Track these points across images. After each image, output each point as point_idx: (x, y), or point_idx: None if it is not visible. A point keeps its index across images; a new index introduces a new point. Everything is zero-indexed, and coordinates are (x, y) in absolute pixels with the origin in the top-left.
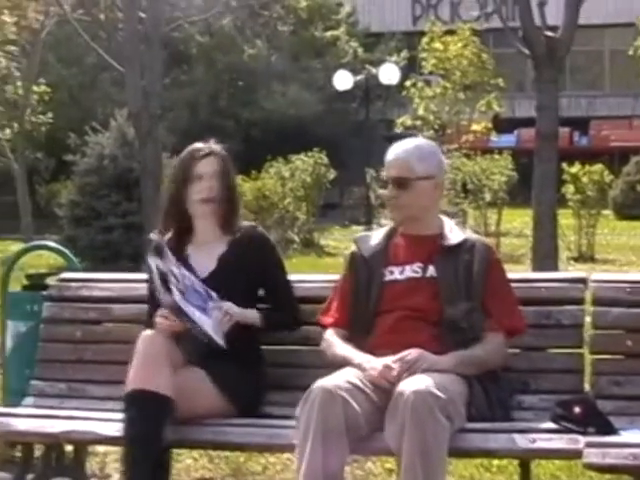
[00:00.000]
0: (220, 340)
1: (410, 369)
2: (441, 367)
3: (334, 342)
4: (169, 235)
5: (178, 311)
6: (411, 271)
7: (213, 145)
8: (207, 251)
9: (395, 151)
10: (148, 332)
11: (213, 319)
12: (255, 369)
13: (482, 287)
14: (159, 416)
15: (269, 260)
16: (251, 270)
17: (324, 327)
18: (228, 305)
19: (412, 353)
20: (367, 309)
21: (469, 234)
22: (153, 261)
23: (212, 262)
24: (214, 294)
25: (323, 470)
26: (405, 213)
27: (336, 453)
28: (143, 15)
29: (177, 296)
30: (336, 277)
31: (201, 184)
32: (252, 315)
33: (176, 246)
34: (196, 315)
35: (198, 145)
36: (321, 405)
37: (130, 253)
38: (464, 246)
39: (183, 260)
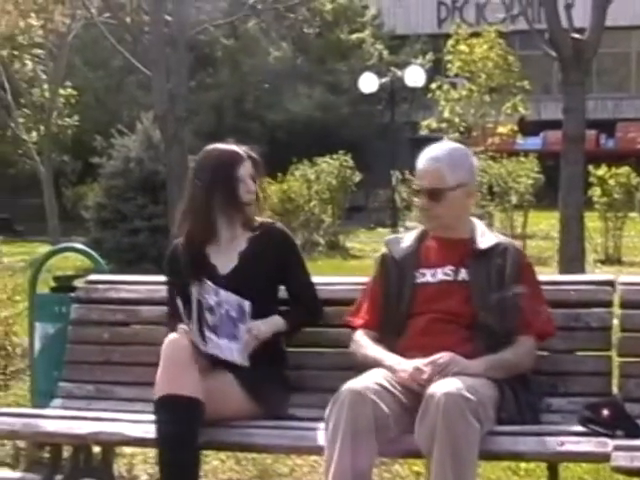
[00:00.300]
0: (244, 362)
1: (441, 372)
2: (472, 371)
3: (364, 343)
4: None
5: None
6: (443, 274)
7: (247, 149)
8: (227, 248)
9: (426, 160)
10: (173, 336)
11: (241, 343)
12: (280, 371)
13: (514, 290)
14: (191, 419)
15: (289, 255)
16: (271, 266)
17: (353, 329)
18: (255, 325)
19: (444, 356)
20: (398, 311)
21: (501, 238)
22: (195, 291)
23: (233, 259)
24: (247, 307)
25: (352, 471)
26: (438, 223)
27: (365, 454)
28: (169, 18)
29: (210, 344)
30: (362, 279)
31: (245, 186)
32: (277, 324)
33: (193, 245)
34: (223, 348)
35: (233, 147)
36: (350, 406)
37: (156, 255)
38: (496, 250)
39: (203, 259)
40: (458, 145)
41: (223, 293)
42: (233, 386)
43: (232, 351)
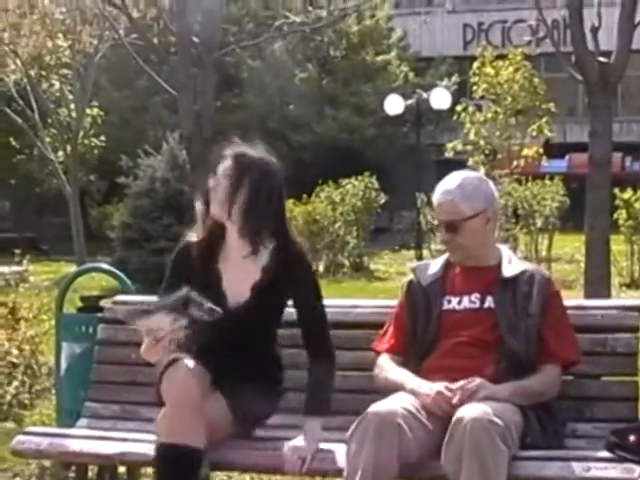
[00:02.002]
0: (210, 314)
1: (470, 397)
2: (499, 396)
3: (387, 367)
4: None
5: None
6: (469, 302)
7: None
8: (239, 264)
9: (439, 194)
10: (179, 374)
11: None
12: (271, 393)
13: (540, 319)
14: (190, 469)
15: (302, 287)
16: (284, 290)
17: (378, 353)
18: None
19: (473, 381)
20: (425, 337)
21: (527, 265)
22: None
23: (245, 290)
24: None
25: None
26: (463, 253)
27: (385, 478)
28: (196, 39)
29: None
30: (386, 302)
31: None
32: (311, 429)
33: (208, 254)
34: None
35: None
36: (376, 431)
37: None
38: (522, 277)
39: (215, 280)
40: (470, 174)
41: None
42: (225, 412)
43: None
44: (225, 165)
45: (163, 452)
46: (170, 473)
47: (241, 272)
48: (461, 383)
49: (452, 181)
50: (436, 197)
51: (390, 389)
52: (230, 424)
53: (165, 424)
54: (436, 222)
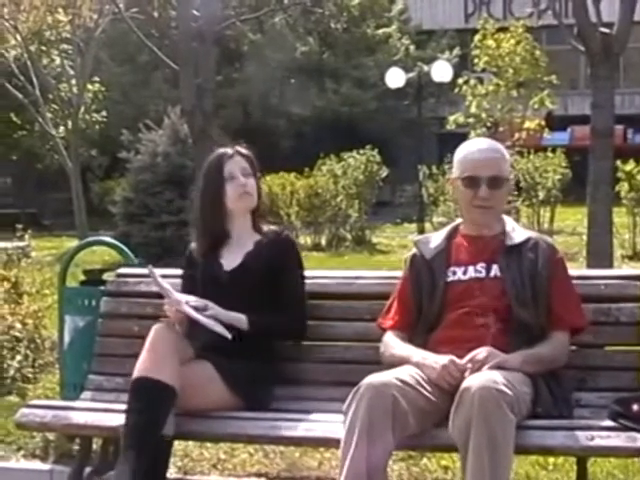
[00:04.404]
0: (223, 331)
1: (480, 366)
2: (509, 365)
3: (393, 344)
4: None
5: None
6: (474, 271)
7: (237, 147)
8: (237, 247)
9: (483, 150)
10: (159, 325)
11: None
12: (266, 364)
13: (547, 285)
14: (162, 405)
15: (290, 264)
16: (273, 269)
17: (384, 330)
18: (216, 309)
19: (482, 352)
20: (430, 310)
21: (531, 232)
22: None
23: (238, 258)
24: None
25: (367, 464)
26: (493, 215)
27: (380, 449)
28: (197, 13)
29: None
30: (389, 274)
31: (235, 182)
32: (237, 318)
33: (209, 250)
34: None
35: (222, 149)
36: (369, 402)
37: (183, 250)
38: (527, 245)
39: (215, 257)
40: None
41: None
42: (213, 376)
43: (214, 325)
44: (242, 165)
45: (137, 387)
46: (141, 406)
47: (238, 248)
48: (469, 356)
49: (489, 142)
50: (478, 153)
51: (396, 365)
52: (223, 392)
53: (140, 363)
54: (471, 176)
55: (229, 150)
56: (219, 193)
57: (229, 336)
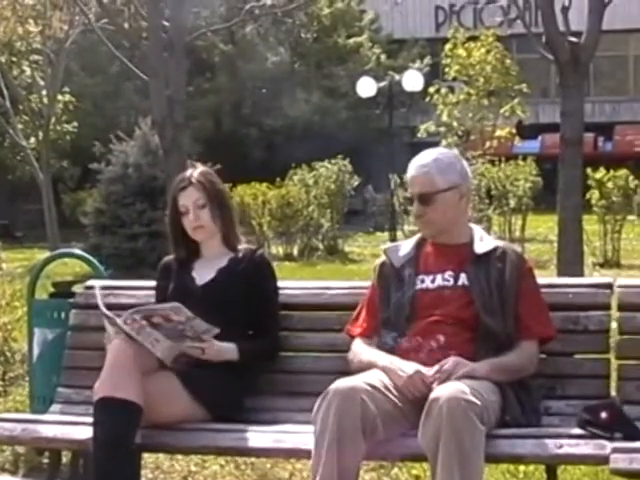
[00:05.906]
0: (165, 358)
1: (447, 376)
2: (477, 374)
3: (360, 350)
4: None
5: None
6: (442, 280)
7: (194, 174)
8: (210, 264)
9: (414, 167)
10: (118, 340)
11: (179, 344)
12: (232, 374)
13: (515, 295)
14: (129, 421)
15: (264, 282)
16: (246, 286)
17: (352, 337)
18: (211, 346)
19: (449, 361)
20: (399, 318)
21: (499, 242)
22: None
23: (212, 273)
24: (214, 332)
25: (338, 471)
26: (434, 228)
27: (351, 455)
28: (167, 24)
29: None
30: (360, 284)
31: (188, 216)
32: (229, 351)
33: (185, 263)
34: (149, 336)
35: (181, 176)
36: (338, 407)
37: (154, 261)
38: (495, 254)
39: (187, 271)
40: (445, 150)
41: (196, 320)
42: (177, 388)
43: (158, 343)
44: (194, 197)
45: (101, 406)
46: (109, 421)
47: (212, 263)
48: (436, 367)
49: (427, 155)
50: (411, 171)
51: (365, 370)
52: (188, 404)
53: (101, 381)
54: (409, 195)
55: (185, 178)
56: (179, 225)
57: (167, 362)
